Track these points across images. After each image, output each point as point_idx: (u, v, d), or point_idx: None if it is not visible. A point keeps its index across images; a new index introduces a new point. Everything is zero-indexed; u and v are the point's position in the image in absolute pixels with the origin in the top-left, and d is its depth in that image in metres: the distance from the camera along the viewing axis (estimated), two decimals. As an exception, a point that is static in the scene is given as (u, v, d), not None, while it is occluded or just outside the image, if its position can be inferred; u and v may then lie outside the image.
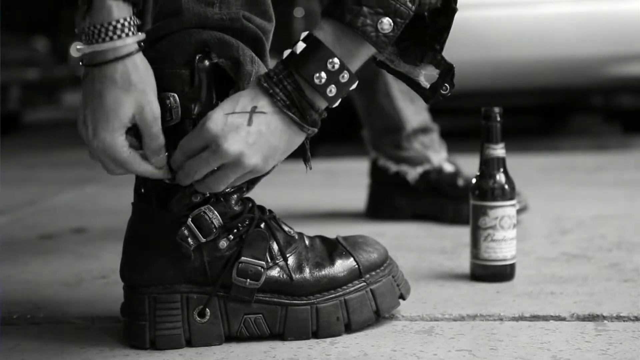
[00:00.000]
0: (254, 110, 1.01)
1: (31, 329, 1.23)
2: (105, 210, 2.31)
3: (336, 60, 0.99)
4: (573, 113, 6.31)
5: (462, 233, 1.62)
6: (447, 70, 1.12)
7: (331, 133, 4.32)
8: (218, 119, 1.00)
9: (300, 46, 1.00)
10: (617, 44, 3.64)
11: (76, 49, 1.02)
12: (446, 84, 1.13)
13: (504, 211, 1.35)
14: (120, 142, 1.01)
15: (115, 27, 0.99)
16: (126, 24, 0.99)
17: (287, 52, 1.02)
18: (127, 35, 0.99)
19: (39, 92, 7.43)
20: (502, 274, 1.38)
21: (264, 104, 1.01)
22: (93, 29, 0.99)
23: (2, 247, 1.84)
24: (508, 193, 1.36)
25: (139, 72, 1.01)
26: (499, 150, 1.38)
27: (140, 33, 1.02)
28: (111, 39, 0.99)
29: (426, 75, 1.13)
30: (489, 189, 1.36)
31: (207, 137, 1.00)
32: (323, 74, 0.99)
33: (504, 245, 1.36)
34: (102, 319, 1.25)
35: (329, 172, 3.04)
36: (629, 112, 4.90)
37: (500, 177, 1.37)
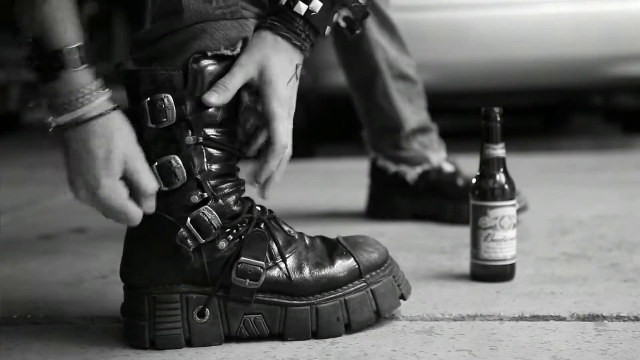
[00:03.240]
0: (297, 69, 1.15)
1: (31, 329, 1.23)
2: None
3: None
4: (573, 113, 6.30)
5: (462, 233, 1.62)
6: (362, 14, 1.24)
7: (331, 133, 4.34)
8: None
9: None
10: (617, 44, 3.65)
11: (53, 122, 1.05)
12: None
13: (504, 211, 1.35)
14: (120, 187, 1.04)
15: (84, 94, 1.02)
16: (94, 87, 1.03)
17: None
18: (96, 97, 1.03)
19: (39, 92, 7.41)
20: (502, 274, 1.38)
21: (300, 58, 1.16)
22: (62, 100, 1.02)
23: (2, 247, 1.84)
24: (508, 193, 1.36)
25: (117, 122, 1.04)
26: (499, 150, 1.38)
27: (107, 90, 1.05)
28: (82, 104, 1.02)
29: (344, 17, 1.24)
30: (489, 189, 1.36)
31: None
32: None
33: (504, 245, 1.36)
34: (102, 319, 1.25)
35: (329, 172, 3.04)
36: (628, 112, 4.90)
37: (500, 177, 1.37)
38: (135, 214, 1.05)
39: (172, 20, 1.09)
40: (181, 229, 1.08)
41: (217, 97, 1.08)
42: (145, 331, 1.10)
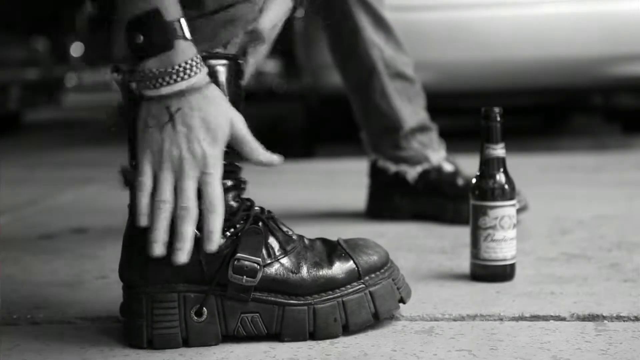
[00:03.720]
0: None
1: (31, 329, 1.23)
2: (105, 210, 2.31)
3: None
4: (573, 113, 6.32)
5: (462, 233, 1.62)
6: None
7: (331, 133, 4.34)
8: None
9: None
10: (617, 44, 3.65)
11: (157, 93, 1.04)
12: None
13: (504, 211, 1.35)
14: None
15: (197, 63, 1.04)
16: (199, 58, 1.05)
17: None
18: (203, 67, 1.05)
19: (39, 92, 7.44)
20: (502, 274, 1.38)
21: None
22: (170, 70, 1.03)
23: (2, 247, 1.84)
24: (508, 193, 1.36)
25: (217, 91, 1.06)
26: (499, 150, 1.38)
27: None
28: (196, 73, 1.04)
29: None
30: (489, 189, 1.36)
31: None
32: None
33: (504, 245, 1.36)
34: (102, 318, 1.25)
35: (328, 172, 3.04)
36: (628, 112, 4.90)
37: (500, 177, 1.37)
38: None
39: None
40: None
41: None
42: (143, 330, 1.10)
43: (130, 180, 1.11)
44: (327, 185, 2.72)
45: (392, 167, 1.98)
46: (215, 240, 1.04)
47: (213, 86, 1.06)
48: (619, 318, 1.17)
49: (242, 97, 1.16)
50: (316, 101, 4.01)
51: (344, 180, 2.76)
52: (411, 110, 1.97)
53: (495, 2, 3.69)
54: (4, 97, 6.78)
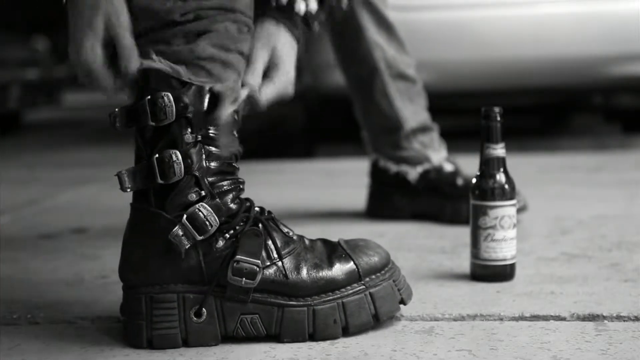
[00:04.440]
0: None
1: (32, 329, 1.23)
2: (105, 210, 2.32)
3: None
4: (573, 113, 6.31)
5: (462, 233, 1.62)
6: None
7: (331, 133, 4.34)
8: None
9: None
10: (617, 44, 3.65)
11: None
12: None
13: (504, 211, 1.36)
14: (99, 50, 1.07)
15: None
16: None
17: None
18: None
19: (39, 92, 7.44)
20: (502, 273, 1.38)
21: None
22: None
23: (2, 247, 1.84)
24: (508, 193, 1.36)
25: None
26: (499, 150, 1.38)
27: None
28: None
29: None
30: (489, 189, 1.36)
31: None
32: None
33: (504, 245, 1.36)
34: (103, 318, 1.25)
35: (329, 172, 3.04)
36: (628, 112, 4.91)
37: (501, 177, 1.37)
38: (107, 81, 1.09)
39: None
40: (176, 226, 1.08)
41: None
42: (142, 331, 1.11)
43: (124, 186, 1.13)
44: (327, 185, 2.72)
45: (393, 167, 1.98)
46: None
47: None
48: (619, 318, 1.17)
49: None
50: (316, 101, 4.01)
51: (344, 180, 2.76)
52: (412, 111, 1.97)
53: (495, 2, 3.68)
54: (3, 97, 6.78)
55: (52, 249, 1.82)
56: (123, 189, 1.12)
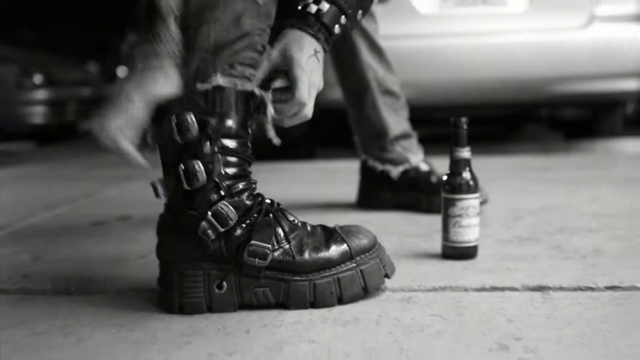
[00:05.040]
0: (316, 53, 1.19)
1: (85, 299, 1.23)
2: (145, 201, 2.30)
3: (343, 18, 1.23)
4: (525, 123, 6.32)
5: (435, 221, 1.62)
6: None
7: (329, 139, 4.34)
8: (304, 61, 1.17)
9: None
10: (559, 68, 3.66)
11: None
12: None
13: (470, 202, 1.35)
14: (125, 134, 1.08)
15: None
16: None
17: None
18: None
19: (91, 107, 7.43)
20: (467, 253, 1.38)
21: (318, 45, 1.20)
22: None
23: (61, 232, 1.85)
24: (473, 188, 1.36)
25: None
26: (465, 153, 1.38)
27: None
28: None
29: None
30: (457, 185, 1.36)
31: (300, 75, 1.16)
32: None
33: (469, 230, 1.36)
34: (143, 290, 1.25)
35: (327, 170, 3.04)
36: (569, 122, 4.91)
37: (467, 174, 1.37)
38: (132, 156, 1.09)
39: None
40: (203, 222, 1.09)
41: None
42: (175, 299, 1.11)
43: (158, 194, 1.15)
44: (325, 182, 2.72)
45: (379, 166, 1.98)
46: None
47: None
48: (561, 289, 1.18)
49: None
50: (317, 112, 4.00)
51: (339, 177, 2.76)
52: (396, 121, 1.97)
53: (463, 32, 3.68)
54: (63, 111, 6.80)
55: (101, 233, 1.82)
56: (157, 196, 1.14)
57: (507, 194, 2.19)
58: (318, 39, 1.20)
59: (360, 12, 1.28)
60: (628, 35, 3.69)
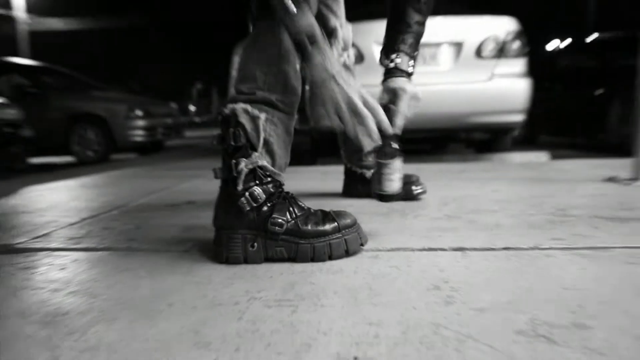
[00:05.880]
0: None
1: (166, 254, 1.20)
2: (206, 192, 2.29)
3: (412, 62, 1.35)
4: (449, 142, 6.30)
5: (394, 205, 1.59)
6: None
7: (325, 152, 4.31)
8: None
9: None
10: (472, 106, 3.65)
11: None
12: None
13: (396, 164, 1.26)
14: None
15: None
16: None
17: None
18: None
19: (172, 130, 7.42)
20: (395, 197, 1.27)
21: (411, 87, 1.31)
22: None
23: (152, 211, 1.82)
24: (396, 154, 1.25)
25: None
26: (395, 145, 1.25)
27: None
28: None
29: None
30: (388, 154, 1.25)
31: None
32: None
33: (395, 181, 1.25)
34: (204, 249, 1.23)
35: (323, 172, 3.01)
36: (479, 142, 4.89)
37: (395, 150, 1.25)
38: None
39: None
40: (242, 198, 1.07)
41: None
42: (222, 254, 1.09)
43: (217, 176, 1.11)
44: (323, 179, 2.69)
45: (358, 170, 1.95)
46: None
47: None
48: (474, 249, 1.16)
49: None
50: (317, 134, 3.98)
51: (332, 177, 2.73)
52: (369, 142, 1.93)
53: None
54: (154, 133, 6.79)
55: (174, 212, 1.79)
56: (216, 177, 1.11)
57: (438, 188, 2.17)
58: (403, 77, 1.33)
59: (416, 53, 1.38)
60: (515, 86, 3.68)
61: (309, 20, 0.99)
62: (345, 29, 1.63)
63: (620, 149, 4.44)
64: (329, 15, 1.53)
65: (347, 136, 1.96)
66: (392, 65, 1.36)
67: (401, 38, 1.36)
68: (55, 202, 2.17)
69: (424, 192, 1.85)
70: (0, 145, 4.12)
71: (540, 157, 4.09)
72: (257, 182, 1.09)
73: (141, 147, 7.03)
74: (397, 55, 1.35)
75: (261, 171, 1.10)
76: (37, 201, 2.21)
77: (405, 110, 1.30)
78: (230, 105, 1.09)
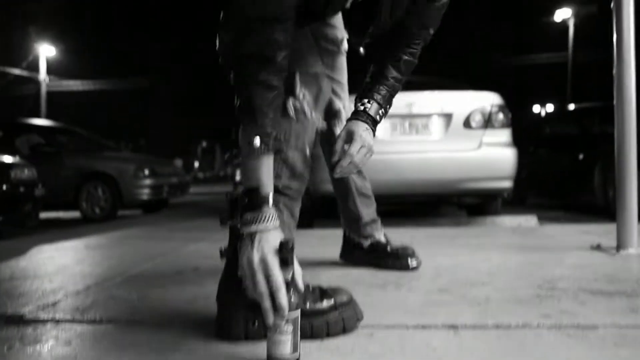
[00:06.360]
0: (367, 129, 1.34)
1: (169, 329, 1.20)
2: (209, 256, 2.29)
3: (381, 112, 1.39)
4: (441, 205, 6.33)
5: (389, 274, 1.59)
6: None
7: (323, 214, 4.33)
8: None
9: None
10: (462, 173, 3.72)
11: (244, 228, 0.95)
12: None
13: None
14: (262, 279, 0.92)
15: (271, 217, 0.95)
16: (271, 216, 0.95)
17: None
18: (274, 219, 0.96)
19: (177, 189, 7.47)
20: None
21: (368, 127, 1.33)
22: (258, 219, 0.94)
23: (157, 278, 1.82)
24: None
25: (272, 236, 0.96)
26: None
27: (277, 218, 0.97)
28: (268, 221, 0.95)
29: None
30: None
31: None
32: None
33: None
34: (206, 324, 1.21)
35: (321, 236, 3.02)
36: (469, 205, 4.93)
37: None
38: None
39: None
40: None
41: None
42: (225, 330, 1.08)
43: (222, 255, 1.09)
44: (319, 245, 2.69)
45: (356, 239, 1.96)
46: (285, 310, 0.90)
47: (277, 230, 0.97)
48: (465, 327, 1.15)
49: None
50: (316, 196, 4.02)
51: (329, 242, 2.73)
52: (367, 212, 1.94)
53: (405, 151, 3.76)
54: (160, 191, 6.83)
55: (179, 281, 1.78)
56: (222, 257, 1.08)
57: (432, 256, 2.17)
58: (367, 123, 1.34)
59: (388, 106, 1.41)
60: (503, 154, 3.78)
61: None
62: (348, 110, 1.70)
63: (606, 211, 4.48)
64: (333, 98, 1.59)
65: (345, 204, 1.99)
66: (361, 108, 1.38)
67: (377, 87, 1.40)
68: (63, 265, 2.17)
69: (419, 266, 1.85)
70: (14, 204, 4.14)
71: (529, 220, 4.11)
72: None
73: (147, 205, 7.05)
74: (370, 101, 1.38)
75: None
76: (46, 264, 2.21)
77: (354, 156, 1.31)
78: (238, 189, 1.11)
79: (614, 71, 2.13)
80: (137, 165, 6.64)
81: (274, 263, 0.91)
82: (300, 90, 1.15)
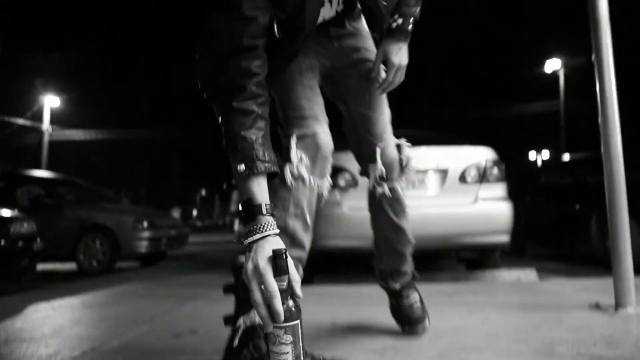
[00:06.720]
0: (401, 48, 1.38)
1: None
2: (208, 317, 2.27)
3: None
4: (440, 259, 6.30)
5: (388, 340, 1.56)
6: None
7: (323, 270, 4.30)
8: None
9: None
10: (460, 228, 3.74)
11: (245, 240, 0.96)
12: None
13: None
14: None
15: (263, 226, 0.95)
16: (268, 224, 0.96)
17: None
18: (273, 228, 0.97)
19: (175, 241, 7.45)
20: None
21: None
22: (253, 229, 0.95)
23: (150, 345, 1.79)
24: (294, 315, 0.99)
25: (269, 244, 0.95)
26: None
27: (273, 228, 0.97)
28: (266, 231, 0.95)
29: None
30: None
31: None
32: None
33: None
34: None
35: (318, 295, 2.92)
36: (468, 259, 4.92)
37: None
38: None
39: None
40: (245, 349, 1.07)
41: None
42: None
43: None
44: (316, 303, 2.65)
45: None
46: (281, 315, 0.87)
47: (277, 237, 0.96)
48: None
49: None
50: (316, 251, 4.01)
51: (327, 301, 2.68)
52: (401, 263, 1.82)
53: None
54: (159, 244, 6.81)
55: (177, 347, 1.75)
56: (226, 324, 1.10)
57: (430, 316, 2.15)
58: (401, 40, 1.32)
59: (417, 9, 1.36)
60: (499, 208, 3.82)
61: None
62: (390, 149, 1.66)
63: (605, 261, 4.46)
64: (370, 140, 1.54)
65: (381, 253, 1.85)
66: (393, 25, 1.34)
67: (405, 1, 1.36)
68: (59, 326, 2.15)
69: (425, 331, 1.81)
70: (12, 259, 4.13)
71: (528, 275, 4.08)
72: (261, 334, 1.07)
73: (145, 257, 7.00)
74: (400, 16, 1.34)
75: None
76: (42, 325, 2.19)
77: (391, 82, 1.34)
78: (240, 259, 1.10)
79: (599, 121, 2.11)
80: (135, 218, 6.66)
81: (267, 271, 0.89)
82: (296, 155, 1.16)
